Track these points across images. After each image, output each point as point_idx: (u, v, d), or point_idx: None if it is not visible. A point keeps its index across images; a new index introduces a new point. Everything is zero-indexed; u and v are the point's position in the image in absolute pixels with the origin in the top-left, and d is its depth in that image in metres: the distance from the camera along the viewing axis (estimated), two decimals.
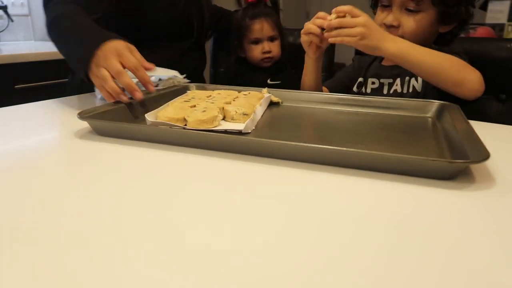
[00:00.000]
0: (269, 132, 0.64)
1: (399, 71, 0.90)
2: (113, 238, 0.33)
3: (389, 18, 0.85)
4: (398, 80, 0.91)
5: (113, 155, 0.53)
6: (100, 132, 0.60)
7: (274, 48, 1.15)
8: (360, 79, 0.98)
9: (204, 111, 0.63)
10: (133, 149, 0.54)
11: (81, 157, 0.52)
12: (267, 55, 1.14)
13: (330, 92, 1.00)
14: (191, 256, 0.30)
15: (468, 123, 0.58)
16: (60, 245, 0.32)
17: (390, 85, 0.92)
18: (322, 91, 1.02)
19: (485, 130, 0.61)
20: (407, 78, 0.89)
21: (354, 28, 0.73)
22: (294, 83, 1.00)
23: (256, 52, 1.14)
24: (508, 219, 0.37)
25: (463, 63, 0.76)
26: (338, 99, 0.79)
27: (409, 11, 0.83)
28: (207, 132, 0.55)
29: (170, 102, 0.70)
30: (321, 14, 0.79)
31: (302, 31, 0.84)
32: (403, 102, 0.75)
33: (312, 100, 0.80)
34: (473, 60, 0.85)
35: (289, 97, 0.82)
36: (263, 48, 1.14)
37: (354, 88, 1.00)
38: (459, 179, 0.45)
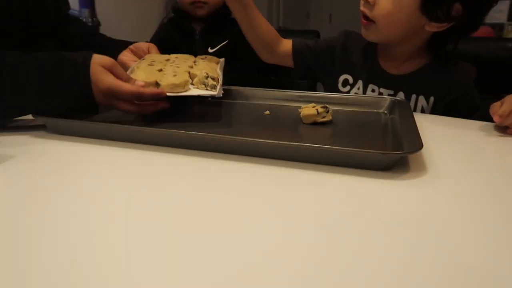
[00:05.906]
0: (219, 129, 0.65)
1: (405, 84, 0.83)
2: (98, 239, 0.33)
3: None
4: (401, 94, 0.84)
5: (70, 154, 0.53)
6: (56, 131, 0.60)
7: None
8: (347, 77, 0.90)
9: (175, 75, 0.65)
10: (92, 148, 0.54)
11: (37, 157, 0.52)
12: None
13: (292, 49, 0.93)
14: (186, 258, 0.30)
15: (413, 117, 0.61)
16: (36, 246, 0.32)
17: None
18: (276, 35, 0.91)
19: (438, 124, 0.64)
20: (413, 96, 0.83)
21: None
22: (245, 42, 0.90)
23: None
24: (437, 202, 0.40)
25: None
26: (298, 96, 0.80)
27: None
28: (180, 131, 0.53)
29: (134, 65, 0.71)
30: None
31: None
32: (359, 98, 0.78)
33: (271, 97, 0.81)
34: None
35: (246, 94, 0.82)
36: None
37: (340, 87, 0.91)
38: (395, 170, 0.47)
